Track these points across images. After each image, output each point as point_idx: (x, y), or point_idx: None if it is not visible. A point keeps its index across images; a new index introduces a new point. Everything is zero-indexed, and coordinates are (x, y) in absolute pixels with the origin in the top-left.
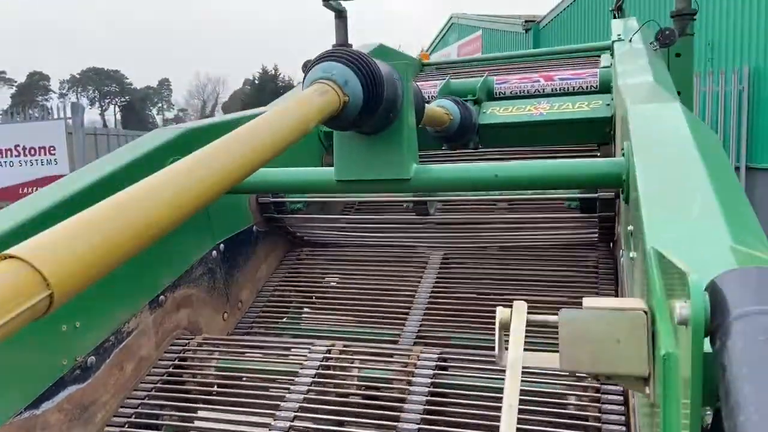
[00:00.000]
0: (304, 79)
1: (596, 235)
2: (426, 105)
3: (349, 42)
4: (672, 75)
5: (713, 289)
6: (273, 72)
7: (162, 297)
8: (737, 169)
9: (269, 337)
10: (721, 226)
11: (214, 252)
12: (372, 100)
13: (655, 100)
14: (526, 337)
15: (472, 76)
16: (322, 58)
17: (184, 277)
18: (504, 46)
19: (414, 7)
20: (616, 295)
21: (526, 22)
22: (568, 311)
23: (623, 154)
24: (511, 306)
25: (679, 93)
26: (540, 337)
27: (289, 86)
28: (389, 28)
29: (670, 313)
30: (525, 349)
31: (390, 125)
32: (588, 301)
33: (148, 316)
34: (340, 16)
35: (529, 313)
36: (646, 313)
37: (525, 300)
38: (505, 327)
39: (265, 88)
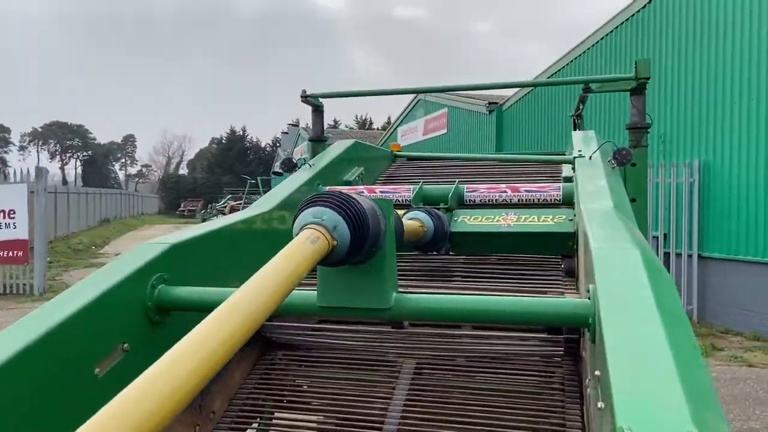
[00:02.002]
0: (294, 220)
1: (562, 350)
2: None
3: (325, 131)
4: (628, 183)
5: None
6: (241, 133)
7: None
8: (690, 257)
9: None
10: (682, 404)
11: None
12: (358, 240)
13: (616, 239)
14: None
15: (440, 171)
16: (312, 202)
17: None
18: (468, 124)
19: (385, 77)
20: (581, 415)
21: (489, 104)
22: None
23: (589, 297)
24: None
25: (634, 200)
26: None
27: (257, 147)
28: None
29: None
30: None
31: (372, 257)
32: None
33: None
34: (317, 110)
35: None
36: None
37: (490, 415)
38: None
39: (233, 148)
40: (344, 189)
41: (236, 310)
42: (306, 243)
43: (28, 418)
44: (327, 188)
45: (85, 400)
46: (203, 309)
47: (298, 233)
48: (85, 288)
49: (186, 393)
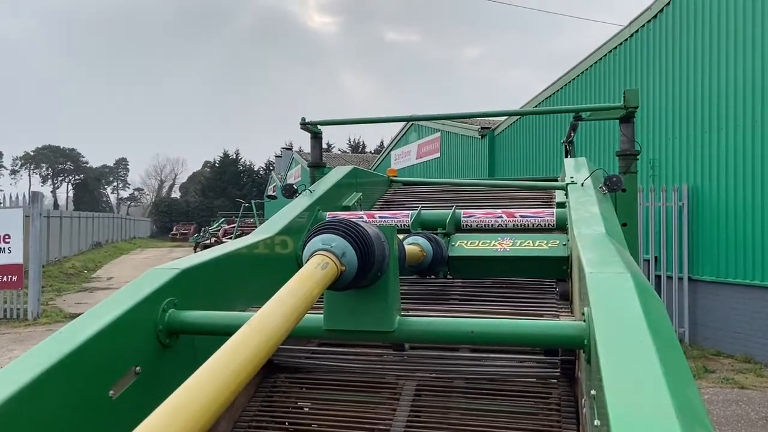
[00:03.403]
0: (303, 246)
1: (558, 372)
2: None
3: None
4: (618, 208)
5: None
6: (234, 156)
7: None
8: (680, 279)
9: None
10: (673, 420)
11: None
12: (365, 266)
13: (609, 264)
14: None
15: (436, 196)
16: (321, 229)
17: None
18: (461, 148)
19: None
20: None
21: (482, 128)
22: None
23: (584, 319)
24: None
25: (624, 224)
26: None
27: (250, 170)
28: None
29: None
30: None
31: (377, 281)
32: None
33: None
34: (316, 137)
35: None
36: None
37: None
38: None
39: (226, 171)
40: (344, 215)
41: (256, 332)
42: (317, 269)
43: None
44: (328, 214)
45: (101, 422)
46: (212, 332)
47: (308, 259)
48: (100, 312)
49: (216, 409)
